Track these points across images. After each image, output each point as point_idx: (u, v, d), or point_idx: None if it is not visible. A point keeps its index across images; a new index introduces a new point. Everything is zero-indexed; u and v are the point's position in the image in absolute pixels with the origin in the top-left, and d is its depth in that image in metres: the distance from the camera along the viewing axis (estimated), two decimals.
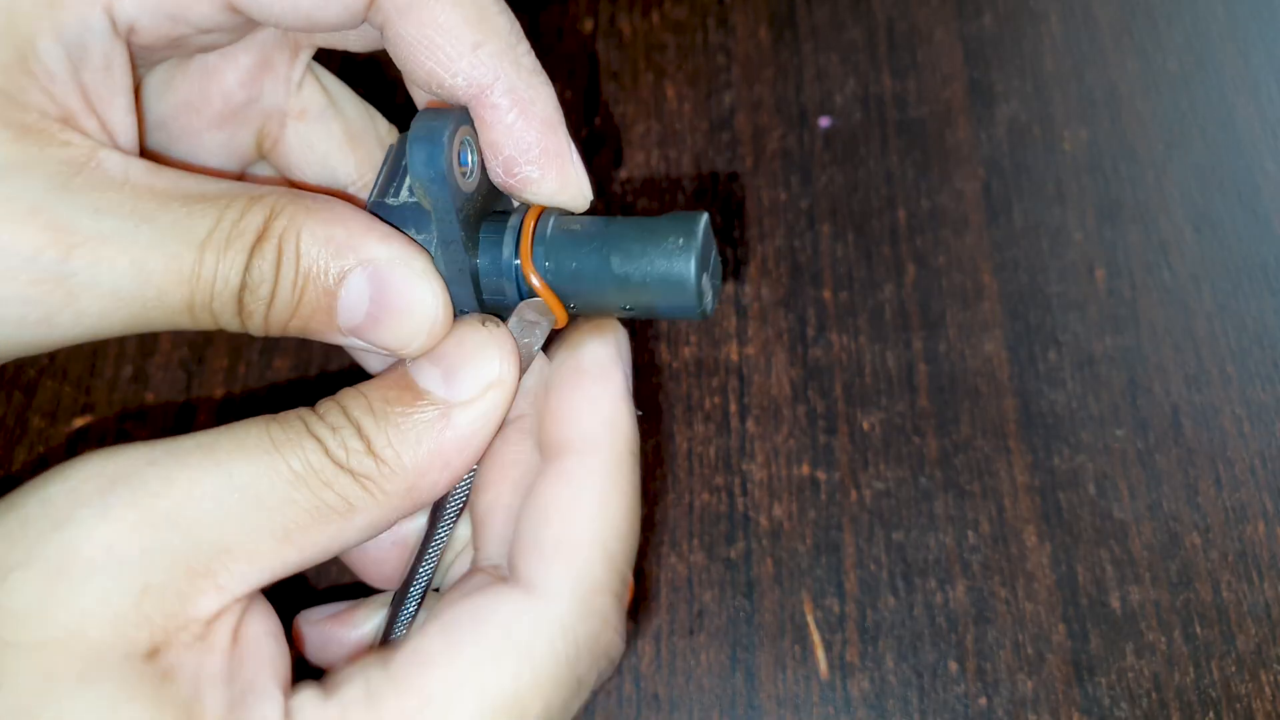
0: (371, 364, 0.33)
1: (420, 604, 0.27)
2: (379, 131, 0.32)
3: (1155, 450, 0.43)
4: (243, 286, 0.24)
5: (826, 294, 0.47)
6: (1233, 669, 0.39)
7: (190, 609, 0.22)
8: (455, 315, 0.26)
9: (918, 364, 0.45)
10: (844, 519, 0.42)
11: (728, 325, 0.46)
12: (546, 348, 0.27)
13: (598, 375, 0.25)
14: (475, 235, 0.26)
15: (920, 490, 0.43)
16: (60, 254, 0.22)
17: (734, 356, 0.45)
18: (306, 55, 0.31)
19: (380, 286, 0.24)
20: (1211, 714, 0.39)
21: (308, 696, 0.22)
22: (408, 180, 0.26)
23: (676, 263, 0.25)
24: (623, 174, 0.49)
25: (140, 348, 0.46)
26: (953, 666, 0.40)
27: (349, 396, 0.25)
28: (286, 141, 0.31)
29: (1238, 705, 0.39)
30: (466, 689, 0.22)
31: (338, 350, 0.42)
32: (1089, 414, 0.44)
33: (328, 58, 0.32)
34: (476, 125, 0.26)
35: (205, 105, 0.29)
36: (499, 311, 0.27)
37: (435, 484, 0.25)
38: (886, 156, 0.50)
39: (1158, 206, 0.48)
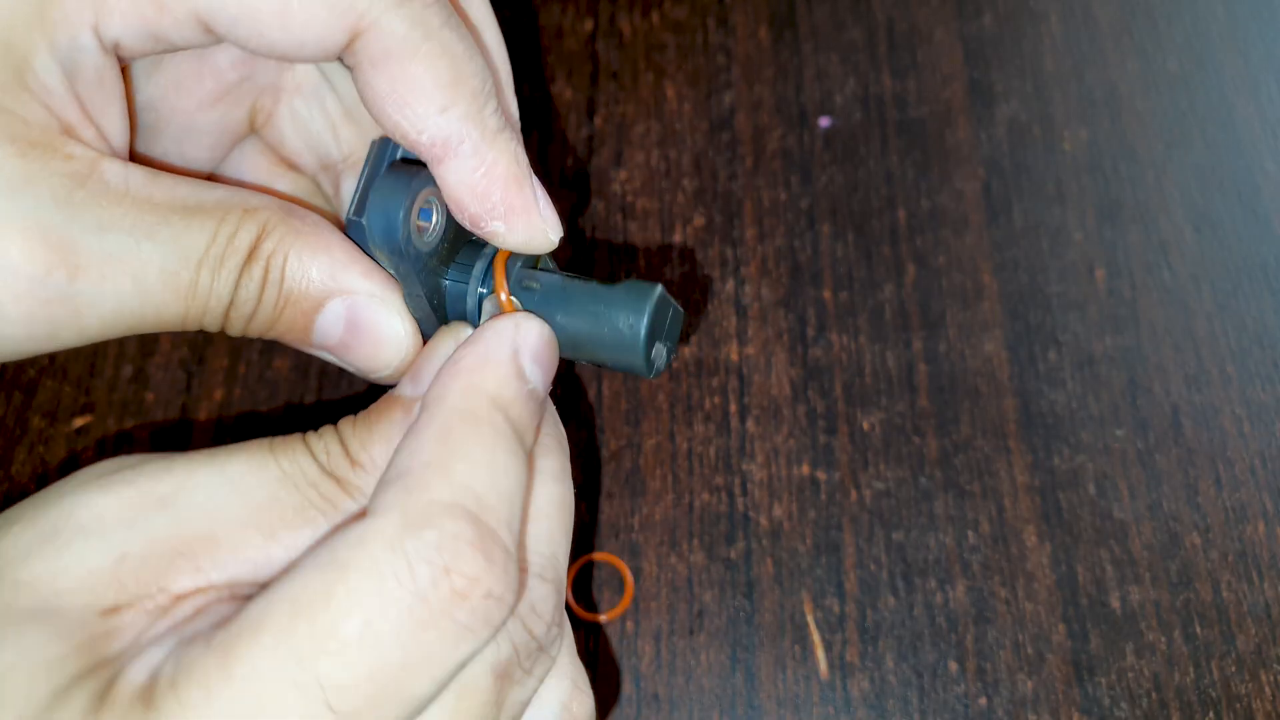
0: None
1: None
2: None
3: (1155, 450, 0.43)
4: (230, 303, 0.26)
5: (826, 294, 0.47)
6: (1233, 669, 0.39)
7: (162, 581, 0.23)
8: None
9: (918, 364, 0.45)
10: (844, 519, 0.42)
11: (728, 325, 0.46)
12: None
13: (463, 340, 0.26)
14: (446, 267, 0.28)
15: (920, 490, 0.43)
16: (68, 274, 0.23)
17: (734, 356, 0.45)
18: None
19: (355, 317, 0.27)
20: (1211, 714, 0.39)
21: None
22: None
23: (625, 340, 0.26)
24: (623, 174, 0.49)
25: (140, 348, 0.46)
26: (953, 666, 0.40)
27: (344, 418, 0.26)
28: (279, 117, 0.31)
29: (1238, 705, 0.39)
30: (281, 603, 0.21)
31: None
32: (1089, 414, 0.44)
33: None
34: (441, 183, 0.27)
35: (197, 85, 0.29)
36: None
37: None
38: (886, 156, 0.50)
39: (1158, 206, 0.48)
